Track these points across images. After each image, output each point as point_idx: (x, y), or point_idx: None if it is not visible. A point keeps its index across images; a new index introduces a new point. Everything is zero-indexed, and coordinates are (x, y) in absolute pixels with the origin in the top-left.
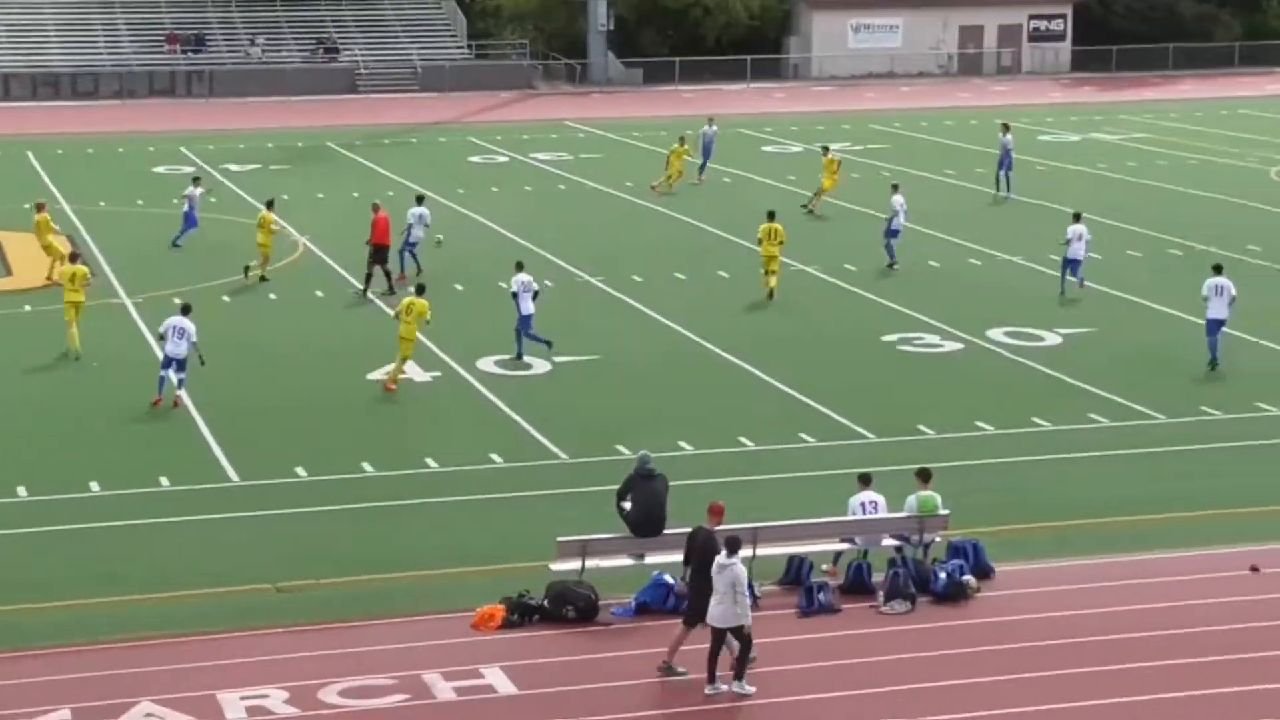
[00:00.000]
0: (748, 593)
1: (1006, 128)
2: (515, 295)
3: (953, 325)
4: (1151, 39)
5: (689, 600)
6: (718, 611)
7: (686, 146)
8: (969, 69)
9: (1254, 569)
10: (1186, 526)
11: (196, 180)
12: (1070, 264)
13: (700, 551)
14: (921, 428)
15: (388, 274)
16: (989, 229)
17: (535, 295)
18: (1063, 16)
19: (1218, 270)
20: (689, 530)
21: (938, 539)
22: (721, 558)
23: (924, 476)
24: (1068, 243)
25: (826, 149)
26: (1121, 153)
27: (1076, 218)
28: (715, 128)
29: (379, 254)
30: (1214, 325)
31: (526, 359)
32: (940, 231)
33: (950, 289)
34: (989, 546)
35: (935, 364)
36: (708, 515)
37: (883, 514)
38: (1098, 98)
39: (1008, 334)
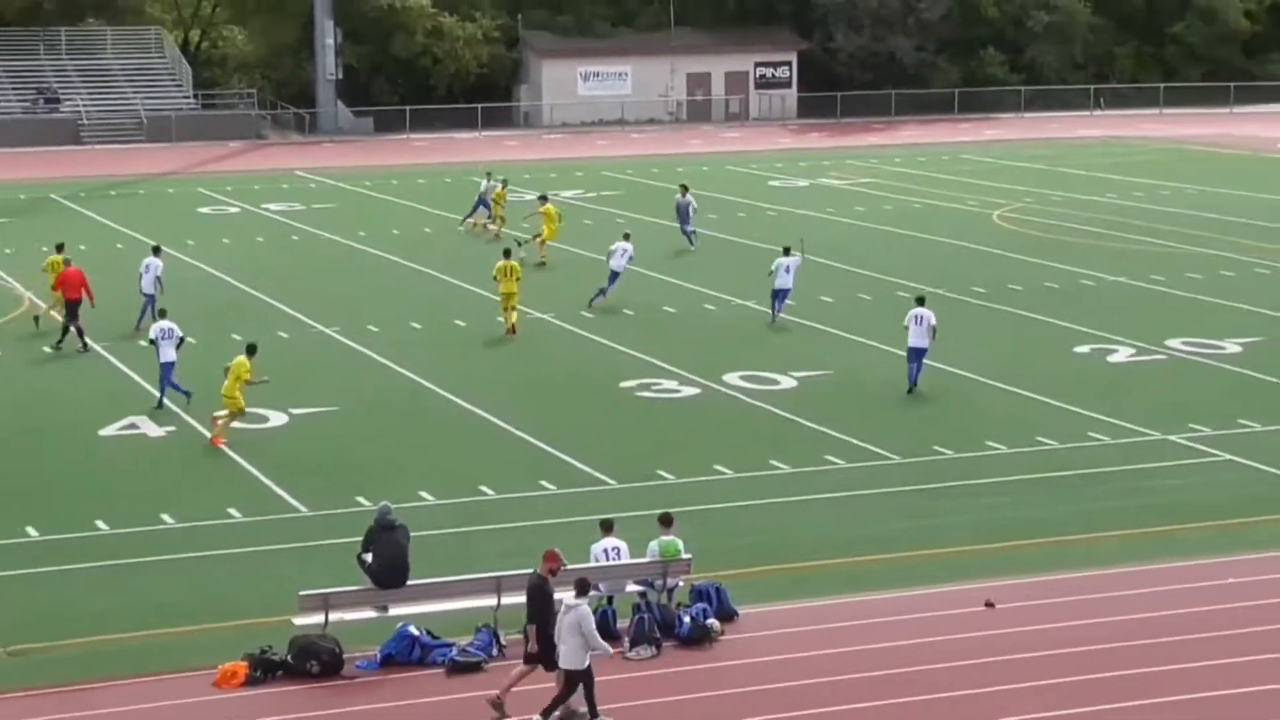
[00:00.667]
0: (596, 632)
1: (685, 189)
2: (154, 342)
3: (690, 370)
4: (874, 85)
5: (525, 644)
6: (564, 654)
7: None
8: (698, 115)
9: (989, 604)
10: (922, 564)
11: None
12: (778, 294)
13: (529, 598)
14: (661, 473)
15: (79, 330)
16: (723, 274)
17: (180, 343)
18: (788, 64)
19: (920, 301)
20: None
21: (681, 583)
22: (569, 599)
23: (665, 521)
24: (772, 274)
25: (544, 198)
26: (849, 197)
27: (786, 251)
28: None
29: (70, 309)
30: (914, 353)
31: (261, 411)
32: (675, 277)
33: (687, 334)
34: (731, 589)
35: (673, 409)
36: (542, 560)
37: (625, 560)
38: (825, 143)
39: (744, 378)
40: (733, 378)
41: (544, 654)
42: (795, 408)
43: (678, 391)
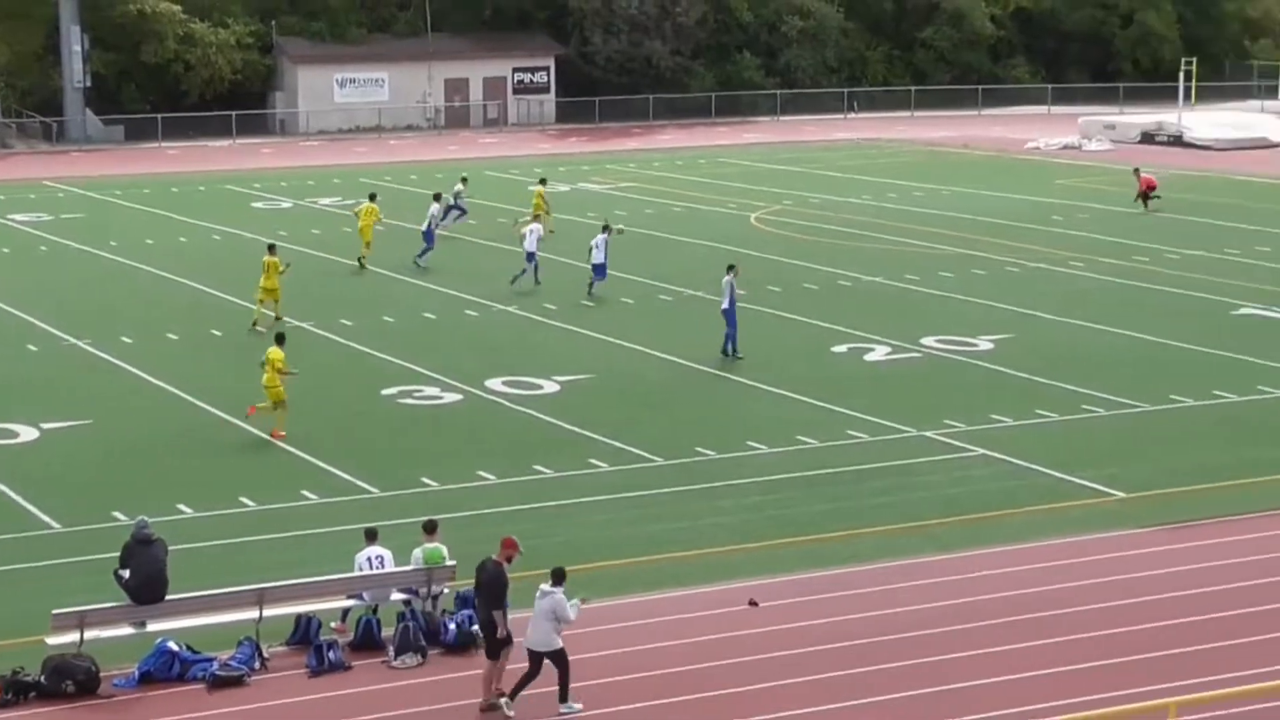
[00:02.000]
0: (569, 615)
1: (438, 197)
2: None
3: (451, 376)
4: (632, 90)
5: (484, 634)
6: (535, 636)
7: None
8: (456, 122)
9: (753, 603)
10: (688, 565)
11: None
12: (596, 270)
13: (489, 585)
14: (425, 480)
15: None
16: (486, 281)
17: None
18: (545, 69)
19: (730, 269)
20: (479, 564)
21: (445, 590)
22: (545, 586)
23: (429, 528)
24: (590, 251)
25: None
26: (610, 202)
27: (604, 229)
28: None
29: None
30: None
31: (10, 426)
32: (434, 283)
33: (448, 340)
34: None
35: (436, 416)
36: (500, 548)
37: (390, 568)
38: (585, 148)
39: (506, 383)
40: (495, 383)
41: (489, 636)
42: (558, 412)
43: (440, 398)
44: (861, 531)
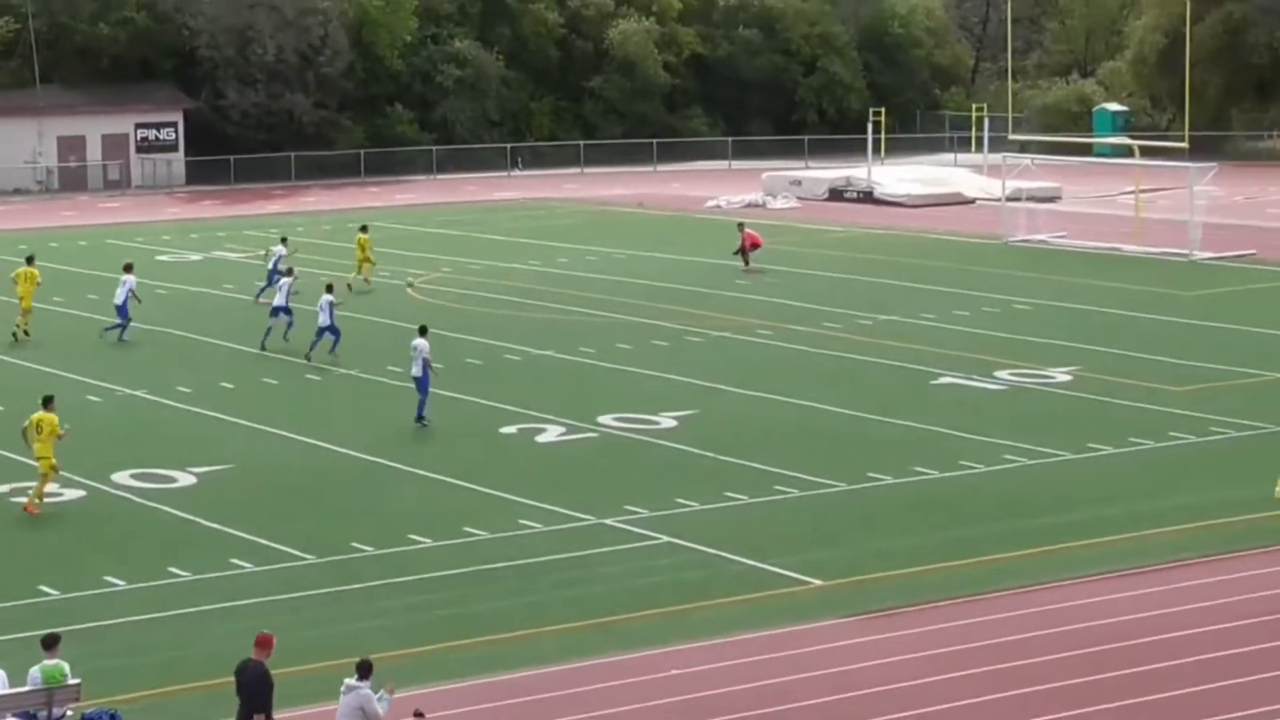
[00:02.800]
0: (378, 711)
1: (284, 240)
2: None
3: (72, 471)
4: (272, 147)
5: None
6: None
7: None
8: (72, 184)
9: (418, 715)
10: (345, 674)
11: None
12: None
13: (251, 686)
14: (44, 588)
15: None
16: (108, 362)
17: None
18: (173, 125)
19: (421, 332)
20: (237, 665)
21: (69, 712)
22: (351, 680)
23: (49, 644)
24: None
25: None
26: (249, 271)
27: (328, 289)
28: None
29: None
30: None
31: None
32: (54, 367)
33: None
34: (128, 714)
35: (56, 516)
36: (255, 648)
37: (4, 690)
38: (219, 212)
39: (135, 476)
40: (122, 476)
41: None
42: (195, 507)
43: (60, 495)
44: (539, 631)
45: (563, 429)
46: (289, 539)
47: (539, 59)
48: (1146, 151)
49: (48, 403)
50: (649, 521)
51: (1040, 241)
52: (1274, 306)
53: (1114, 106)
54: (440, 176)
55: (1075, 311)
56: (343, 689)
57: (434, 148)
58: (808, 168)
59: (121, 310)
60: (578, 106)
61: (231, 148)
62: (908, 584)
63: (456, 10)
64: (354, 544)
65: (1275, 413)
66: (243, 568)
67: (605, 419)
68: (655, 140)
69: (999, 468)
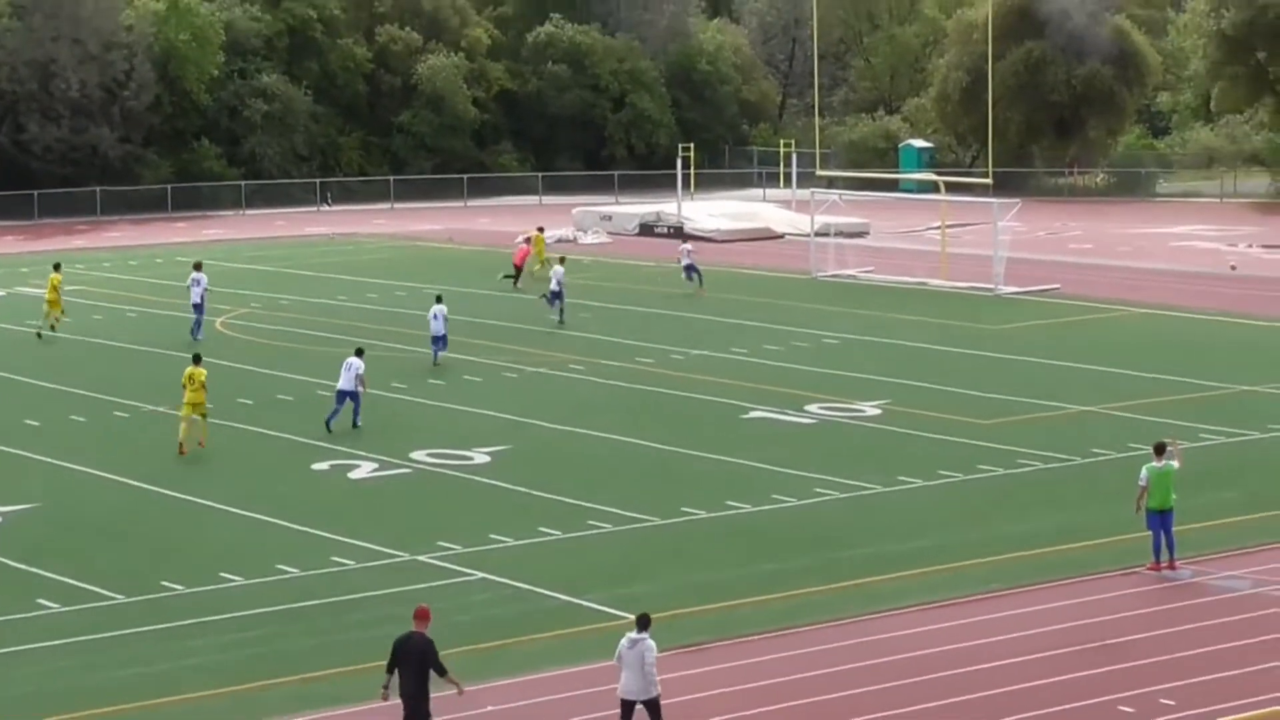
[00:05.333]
0: (655, 666)
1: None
2: None
3: None
4: (76, 182)
5: (406, 706)
6: (631, 685)
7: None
8: None
9: None
10: (156, 714)
11: None
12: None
13: (418, 653)
14: None
15: None
16: None
17: None
18: None
19: (358, 353)
20: (398, 639)
21: None
22: (633, 634)
23: None
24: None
25: None
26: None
27: (438, 299)
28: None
29: None
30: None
31: None
32: None
33: None
34: None
35: None
36: (415, 620)
37: None
38: (22, 247)
39: None
40: None
41: (413, 711)
42: (0, 547)
43: None
44: (352, 669)
45: (375, 465)
46: (98, 578)
47: (347, 94)
48: (951, 187)
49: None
50: (463, 557)
51: (849, 276)
52: (1077, 340)
53: (919, 143)
54: (249, 212)
55: (883, 345)
56: (625, 643)
57: (242, 183)
58: (618, 203)
59: (198, 308)
60: (387, 141)
61: (34, 182)
62: (721, 618)
63: (263, 45)
64: (164, 582)
65: (1079, 444)
66: (50, 608)
67: (418, 454)
68: (465, 175)
69: (811, 501)
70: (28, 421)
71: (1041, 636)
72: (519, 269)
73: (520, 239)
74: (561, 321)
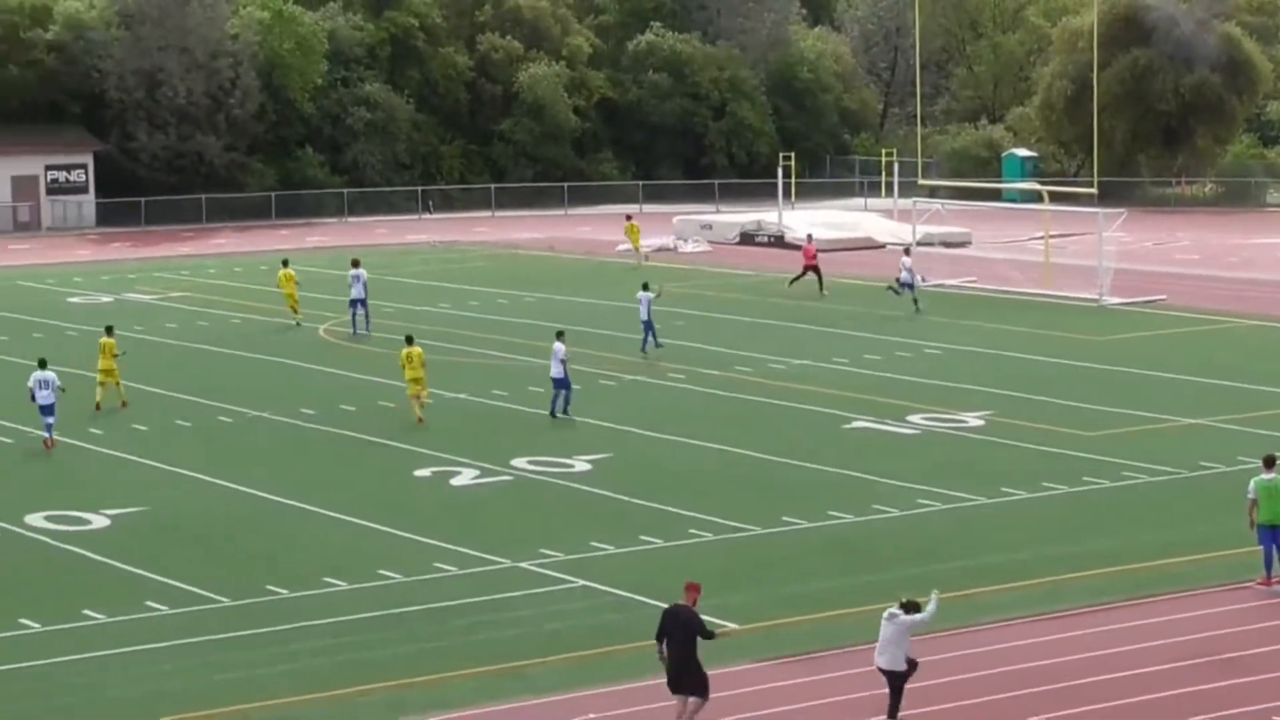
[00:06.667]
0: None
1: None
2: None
3: None
4: (182, 189)
5: (669, 671)
6: (886, 658)
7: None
8: None
9: None
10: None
11: None
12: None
13: (684, 627)
14: None
15: None
16: (21, 404)
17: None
18: (84, 167)
19: (558, 335)
20: (666, 607)
21: None
22: (893, 609)
23: None
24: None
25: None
26: (160, 313)
27: (645, 287)
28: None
29: None
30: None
31: None
32: None
33: None
34: None
35: None
36: (685, 593)
37: None
38: (130, 254)
39: (49, 518)
40: (36, 518)
41: (677, 679)
42: (110, 549)
43: None
44: (451, 675)
45: (477, 472)
46: (204, 582)
47: (448, 102)
48: (1055, 197)
49: (409, 340)
50: (563, 565)
51: (951, 286)
52: (1183, 352)
53: (1023, 152)
54: (351, 219)
55: (986, 356)
56: (885, 616)
57: (344, 190)
58: (718, 212)
59: (361, 303)
60: (487, 149)
61: (142, 189)
62: (822, 628)
63: (366, 53)
64: (269, 587)
65: (1187, 457)
66: (157, 610)
67: (519, 462)
68: (566, 184)
69: (913, 512)
70: (135, 426)
71: (1149, 651)
72: (809, 268)
73: (805, 237)
74: (918, 310)
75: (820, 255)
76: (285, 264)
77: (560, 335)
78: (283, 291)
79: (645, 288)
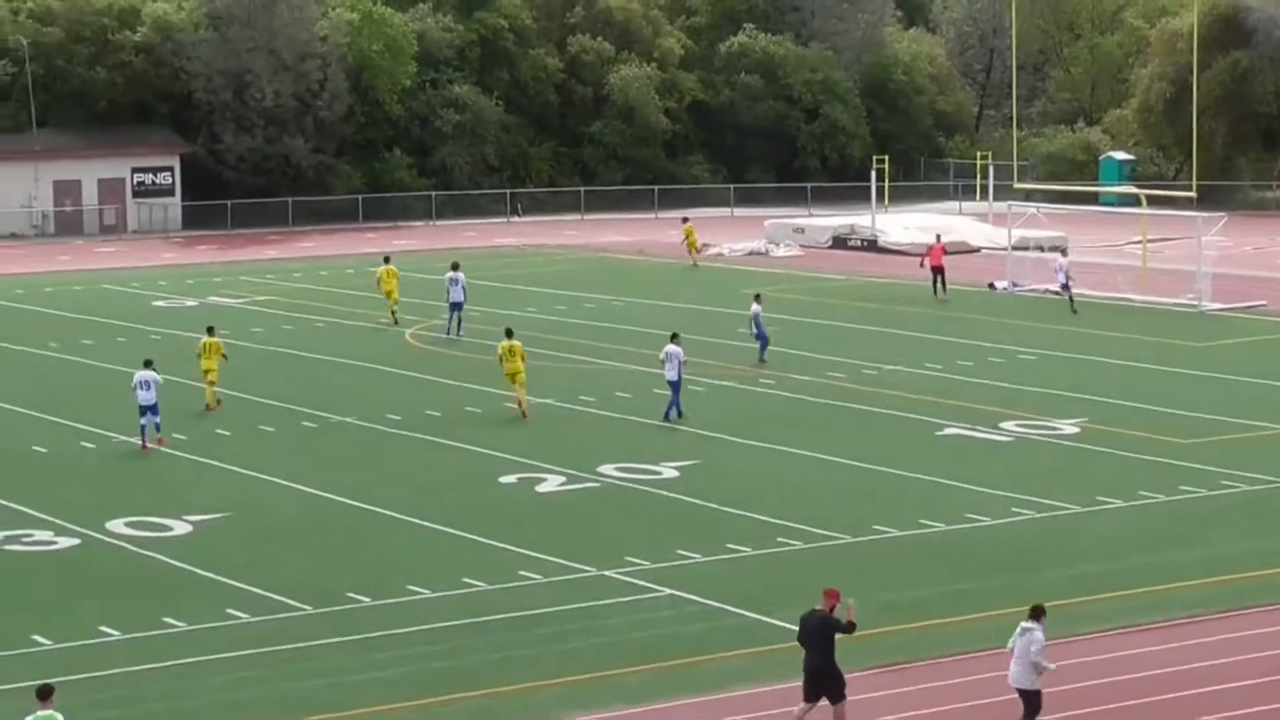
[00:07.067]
0: (1041, 657)
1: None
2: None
3: (66, 518)
4: (268, 192)
5: (805, 678)
6: (1015, 672)
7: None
8: (68, 229)
9: None
10: None
11: None
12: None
13: (813, 632)
14: (38, 638)
15: None
16: (100, 408)
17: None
18: (170, 169)
19: (674, 338)
20: (803, 615)
21: None
22: (1025, 623)
23: (43, 694)
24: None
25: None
26: (245, 317)
27: (757, 298)
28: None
29: None
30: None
31: None
32: (44, 412)
33: (62, 476)
34: None
35: (49, 564)
36: (823, 599)
37: None
38: (215, 257)
39: (129, 524)
40: (117, 525)
41: (812, 687)
42: (191, 556)
43: (54, 543)
44: (539, 684)
45: (563, 478)
46: (286, 589)
47: (538, 104)
48: (1154, 201)
49: (509, 334)
50: (650, 573)
51: (1047, 291)
52: None
53: (1120, 155)
54: (438, 223)
55: (1081, 362)
56: (1018, 631)
57: (432, 193)
58: (810, 215)
59: (458, 307)
60: (577, 152)
61: (228, 192)
62: (915, 638)
63: (455, 55)
64: (350, 594)
65: None
66: (239, 618)
67: (606, 469)
68: (656, 187)
69: (1006, 521)
70: (218, 431)
71: (1248, 663)
72: (938, 270)
73: (935, 238)
74: (1074, 312)
75: (913, 259)
76: (387, 260)
77: (675, 338)
78: (383, 288)
79: (758, 299)
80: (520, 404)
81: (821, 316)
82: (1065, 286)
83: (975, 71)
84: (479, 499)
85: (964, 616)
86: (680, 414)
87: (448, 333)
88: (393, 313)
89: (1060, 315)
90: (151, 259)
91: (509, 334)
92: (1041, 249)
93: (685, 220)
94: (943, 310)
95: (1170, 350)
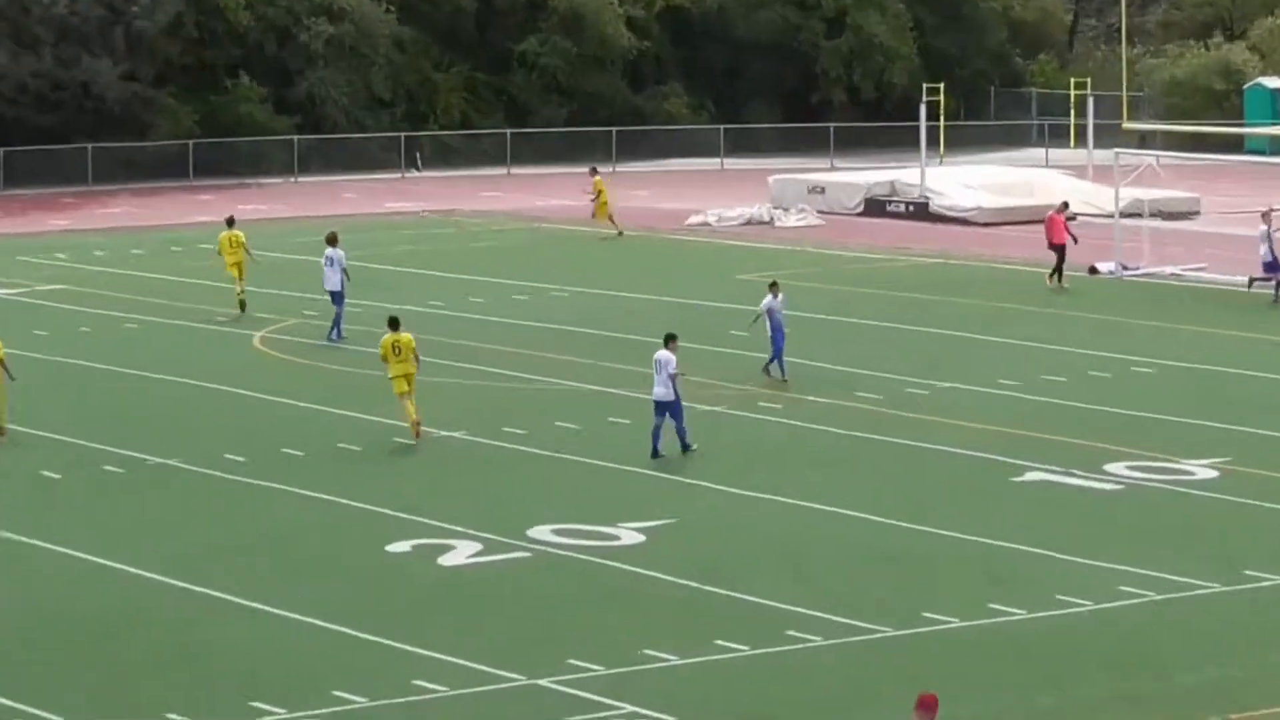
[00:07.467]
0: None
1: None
2: None
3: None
4: (61, 135)
5: None
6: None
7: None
8: None
9: None
10: None
11: None
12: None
13: None
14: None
15: None
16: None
17: None
18: None
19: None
20: None
21: None
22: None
23: None
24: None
25: None
26: (23, 315)
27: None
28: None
29: None
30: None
31: None
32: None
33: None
34: None
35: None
36: (918, 709)
37: None
38: None
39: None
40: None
41: None
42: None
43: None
44: None
45: (478, 546)
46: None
47: (446, 12)
48: None
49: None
50: (604, 682)
51: (1170, 276)
52: None
53: (1274, 82)
54: (304, 179)
55: (1220, 377)
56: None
57: (296, 137)
58: (833, 169)
59: (340, 298)
60: (502, 80)
61: (3, 135)
62: None
63: None
64: (170, 716)
65: None
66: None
67: (540, 531)
68: (614, 128)
69: (1113, 605)
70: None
71: None
72: (1056, 247)
73: (1059, 205)
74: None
75: (980, 231)
76: (230, 224)
77: (670, 340)
78: (225, 261)
79: (773, 289)
80: (410, 417)
81: (849, 314)
82: (1273, 266)
83: None
84: (357, 576)
85: None
86: (687, 444)
87: (330, 336)
88: (239, 298)
89: (1195, 312)
90: None
91: (394, 325)
92: (1161, 215)
93: (594, 172)
94: (1024, 304)
95: None
